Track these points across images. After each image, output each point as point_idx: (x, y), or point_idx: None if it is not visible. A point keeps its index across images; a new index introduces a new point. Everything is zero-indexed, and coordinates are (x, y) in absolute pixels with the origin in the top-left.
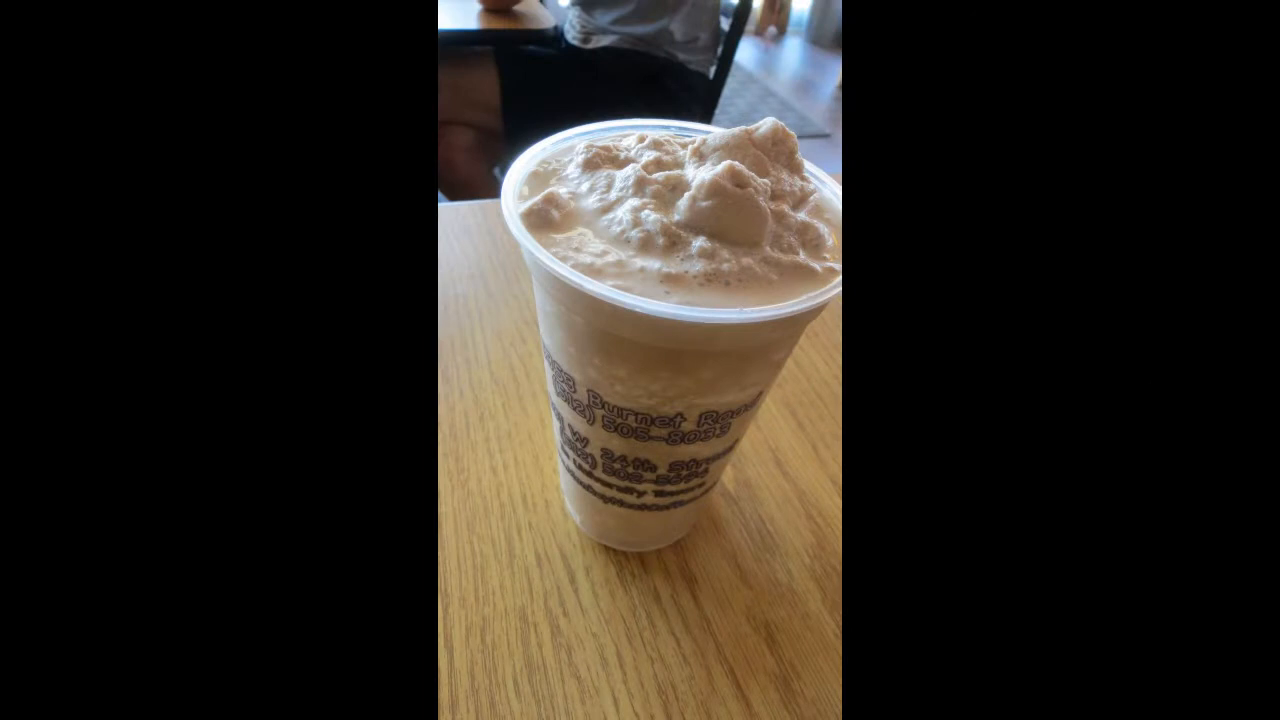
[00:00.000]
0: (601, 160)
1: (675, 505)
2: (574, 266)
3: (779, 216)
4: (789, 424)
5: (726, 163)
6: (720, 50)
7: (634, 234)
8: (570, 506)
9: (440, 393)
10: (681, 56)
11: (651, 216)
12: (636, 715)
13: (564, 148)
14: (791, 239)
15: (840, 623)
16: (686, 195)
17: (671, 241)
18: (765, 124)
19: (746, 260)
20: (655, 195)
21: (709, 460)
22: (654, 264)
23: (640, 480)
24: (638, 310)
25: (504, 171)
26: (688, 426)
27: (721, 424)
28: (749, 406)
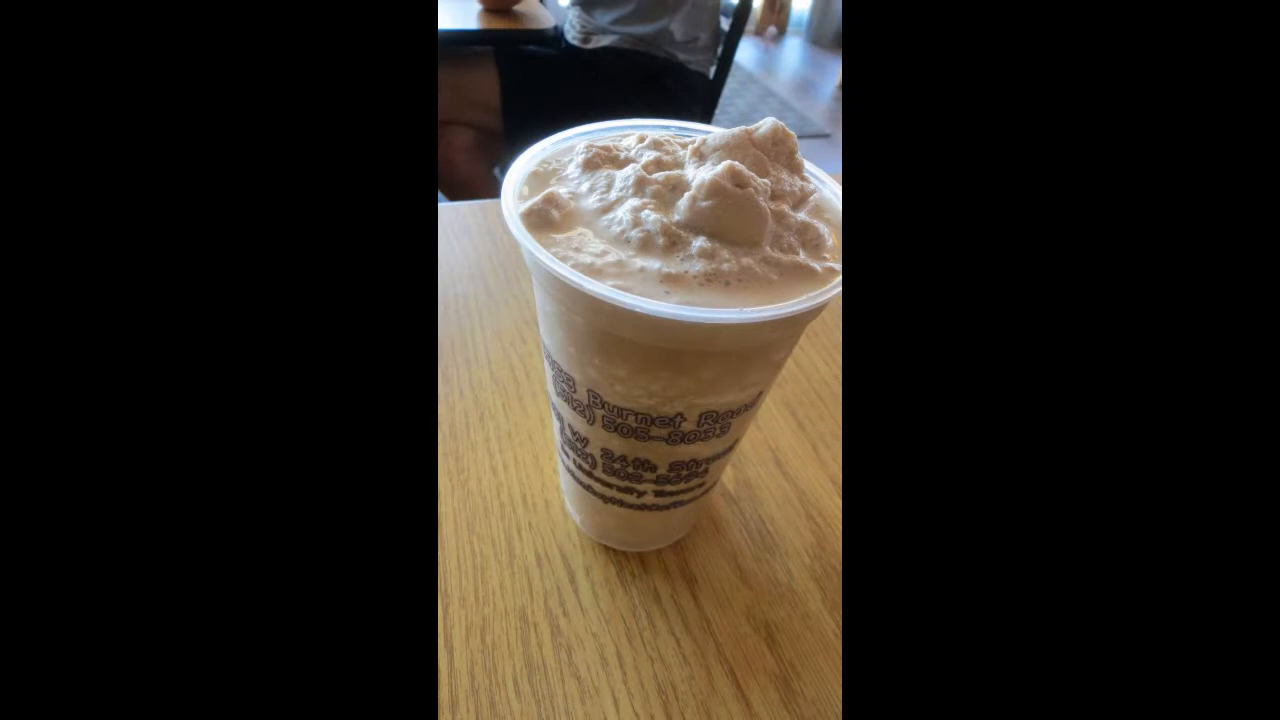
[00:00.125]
0: (601, 160)
1: (675, 505)
2: (574, 266)
3: (779, 216)
4: (789, 424)
5: (726, 163)
6: (720, 50)
7: (634, 234)
8: (570, 506)
9: (440, 393)
10: (681, 56)
11: (651, 216)
12: (636, 715)
13: (564, 148)
14: (791, 239)
15: (840, 623)
16: (686, 195)
17: (671, 241)
18: (765, 124)
19: (746, 260)
20: (655, 195)
21: (709, 460)
22: (654, 264)
23: (640, 480)
24: (638, 310)
25: (504, 171)
26: (688, 426)
27: (721, 424)
28: (749, 406)
